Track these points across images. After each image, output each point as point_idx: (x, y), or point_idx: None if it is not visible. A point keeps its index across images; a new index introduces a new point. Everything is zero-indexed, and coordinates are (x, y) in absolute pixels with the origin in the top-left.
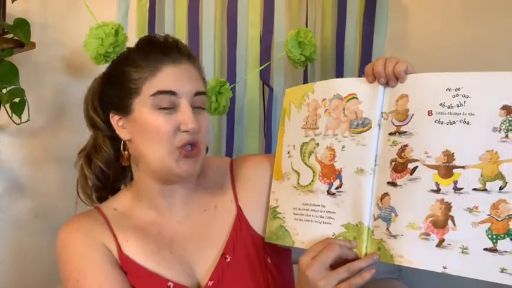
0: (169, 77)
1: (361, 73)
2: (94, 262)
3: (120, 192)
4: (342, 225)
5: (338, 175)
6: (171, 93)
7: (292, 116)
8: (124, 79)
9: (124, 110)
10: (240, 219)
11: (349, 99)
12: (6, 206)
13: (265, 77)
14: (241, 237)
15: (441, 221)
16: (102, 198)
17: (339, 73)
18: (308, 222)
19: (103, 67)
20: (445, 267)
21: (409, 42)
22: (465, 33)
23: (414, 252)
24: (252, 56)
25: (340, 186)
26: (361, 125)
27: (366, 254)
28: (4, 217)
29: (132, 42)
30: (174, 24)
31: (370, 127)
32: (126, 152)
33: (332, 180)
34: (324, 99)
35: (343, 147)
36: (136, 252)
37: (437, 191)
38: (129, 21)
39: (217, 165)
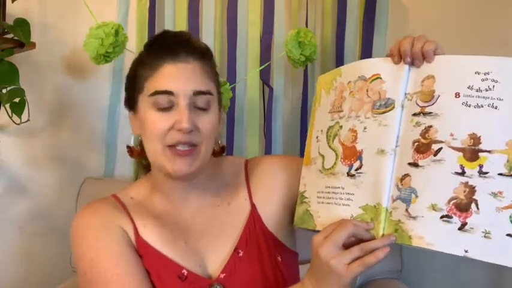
0: (167, 76)
1: None
2: (110, 243)
3: (137, 182)
4: (360, 207)
5: (359, 156)
6: (168, 93)
7: (322, 101)
8: (134, 76)
9: (133, 106)
10: (254, 216)
11: (373, 80)
12: (6, 206)
13: (265, 77)
14: (254, 234)
15: (464, 204)
16: None
17: None
18: (329, 205)
19: (103, 67)
20: (466, 251)
21: None
22: (465, 33)
23: (435, 235)
24: (252, 56)
25: (360, 167)
26: (384, 106)
27: (383, 235)
28: (4, 217)
29: (132, 42)
30: (174, 24)
31: (393, 107)
32: (138, 147)
33: (353, 162)
34: (349, 82)
35: (364, 128)
36: (153, 237)
37: (462, 173)
38: (129, 21)
39: (233, 164)
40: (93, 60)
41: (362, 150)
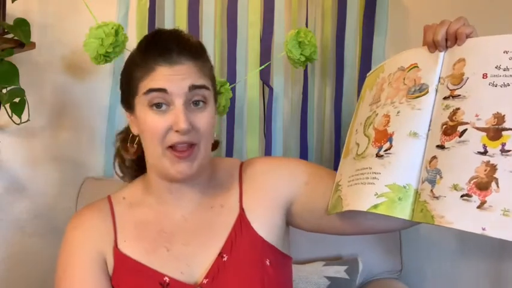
0: (162, 76)
1: (361, 73)
2: (77, 268)
3: (133, 182)
4: (386, 186)
5: (389, 138)
6: (162, 90)
7: (365, 98)
8: (128, 77)
9: (130, 107)
10: (241, 220)
11: (410, 69)
12: (6, 206)
13: (265, 77)
14: (240, 238)
15: (485, 183)
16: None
17: (339, 73)
18: (356, 186)
19: (103, 67)
20: (484, 229)
21: (409, 42)
22: None
23: (455, 213)
24: (252, 56)
25: (389, 148)
26: (418, 91)
27: (412, 216)
28: (4, 217)
29: (132, 42)
30: (174, 24)
31: (427, 92)
32: (134, 146)
33: (382, 143)
34: (389, 74)
35: (398, 112)
36: (133, 250)
37: (484, 153)
38: (129, 21)
39: (227, 165)
40: (93, 60)
41: (393, 132)
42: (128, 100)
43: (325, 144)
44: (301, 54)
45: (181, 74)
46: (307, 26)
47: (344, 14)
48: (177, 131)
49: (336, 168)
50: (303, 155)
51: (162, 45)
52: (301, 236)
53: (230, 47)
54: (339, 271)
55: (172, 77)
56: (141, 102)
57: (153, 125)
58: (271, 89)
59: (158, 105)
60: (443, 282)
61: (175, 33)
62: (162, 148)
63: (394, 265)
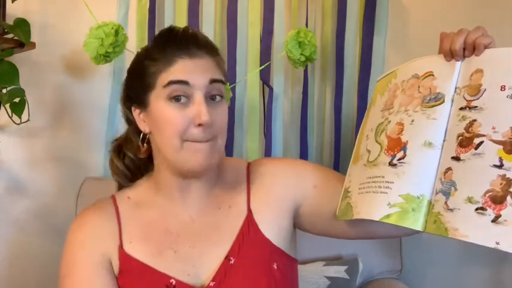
0: (183, 68)
1: (361, 73)
2: (80, 269)
3: (138, 182)
4: (399, 195)
5: (403, 147)
6: (183, 82)
7: (377, 103)
8: (143, 73)
9: (143, 103)
10: (249, 222)
11: (425, 77)
12: (6, 206)
13: (265, 77)
14: (248, 241)
15: (500, 197)
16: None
17: (339, 73)
18: (367, 194)
19: (103, 67)
20: (497, 243)
21: (409, 42)
22: None
23: (469, 227)
24: (252, 56)
25: (403, 157)
26: (433, 100)
27: (425, 228)
28: (4, 217)
29: (132, 42)
30: (174, 24)
31: (443, 101)
32: (145, 145)
33: (396, 152)
34: (403, 81)
35: (412, 121)
36: (139, 251)
37: (500, 166)
38: (129, 21)
39: (235, 165)
40: (93, 60)
41: (407, 141)
42: (139, 97)
43: (325, 144)
44: (301, 54)
45: (202, 65)
46: (307, 26)
47: (344, 14)
48: (199, 125)
49: (336, 169)
50: (303, 155)
51: (181, 39)
52: (301, 236)
53: (230, 47)
54: (339, 271)
55: (194, 69)
56: (158, 95)
57: (172, 119)
58: (271, 89)
59: (177, 98)
60: (443, 282)
61: (190, 30)
62: (181, 141)
63: (394, 265)
